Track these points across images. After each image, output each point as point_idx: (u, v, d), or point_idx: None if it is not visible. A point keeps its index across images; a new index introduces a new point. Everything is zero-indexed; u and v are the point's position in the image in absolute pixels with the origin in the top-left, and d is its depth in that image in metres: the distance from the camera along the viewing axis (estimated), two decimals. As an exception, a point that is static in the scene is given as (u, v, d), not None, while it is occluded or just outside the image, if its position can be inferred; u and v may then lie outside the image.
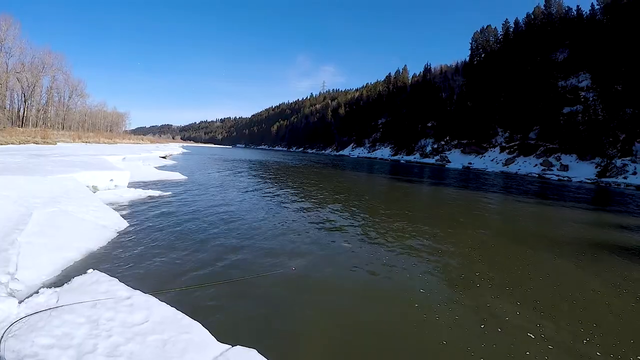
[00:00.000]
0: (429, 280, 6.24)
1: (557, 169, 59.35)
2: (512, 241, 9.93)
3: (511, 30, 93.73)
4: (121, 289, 4.51)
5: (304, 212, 11.82)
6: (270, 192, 16.07)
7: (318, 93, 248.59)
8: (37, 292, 4.30)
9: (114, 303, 4.13)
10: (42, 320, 3.62)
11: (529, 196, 23.28)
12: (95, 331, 3.53)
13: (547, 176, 54.83)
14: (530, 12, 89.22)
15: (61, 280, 4.86)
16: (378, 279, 6.27)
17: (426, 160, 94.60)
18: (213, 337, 3.71)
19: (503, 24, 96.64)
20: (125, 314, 3.91)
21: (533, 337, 4.54)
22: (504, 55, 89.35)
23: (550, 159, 63.06)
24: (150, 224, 8.62)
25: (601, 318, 5.23)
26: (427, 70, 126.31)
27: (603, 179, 49.13)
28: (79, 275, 4.85)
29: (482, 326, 4.75)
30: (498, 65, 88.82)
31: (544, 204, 20.20)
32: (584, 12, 78.79)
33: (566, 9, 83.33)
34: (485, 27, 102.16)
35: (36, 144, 32.78)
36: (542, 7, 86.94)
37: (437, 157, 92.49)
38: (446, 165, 79.67)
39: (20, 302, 4.00)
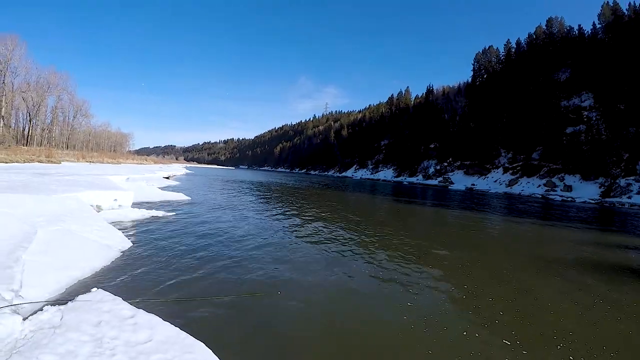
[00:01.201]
0: (420, 296, 6.31)
1: (561, 190, 59.20)
2: (506, 260, 9.80)
3: (513, 50, 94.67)
4: (125, 308, 4.50)
5: (303, 233, 11.66)
6: (270, 214, 15.92)
7: (321, 115, 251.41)
8: (41, 310, 4.29)
9: (118, 322, 4.12)
10: (46, 338, 3.62)
11: (531, 217, 23.01)
12: (99, 349, 3.53)
13: (550, 197, 54.68)
14: (532, 32, 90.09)
15: (65, 299, 4.75)
16: (371, 294, 6.34)
17: (429, 181, 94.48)
18: (216, 356, 3.72)
19: (505, 45, 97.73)
20: (129, 333, 3.90)
21: (508, 343, 4.72)
22: (506, 76, 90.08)
23: (554, 180, 62.99)
24: (154, 244, 8.58)
25: (577, 327, 5.45)
26: (429, 91, 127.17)
27: (607, 199, 48.97)
28: (83, 294, 4.84)
29: (465, 332, 4.98)
30: (500, 86, 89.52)
31: (546, 224, 19.97)
32: (585, 32, 79.62)
33: (568, 28, 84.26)
34: (487, 48, 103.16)
35: (41, 162, 33.11)
36: (544, 26, 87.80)
37: (440, 179, 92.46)
38: (449, 187, 79.50)
39: (24, 319, 4.00)
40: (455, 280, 7.35)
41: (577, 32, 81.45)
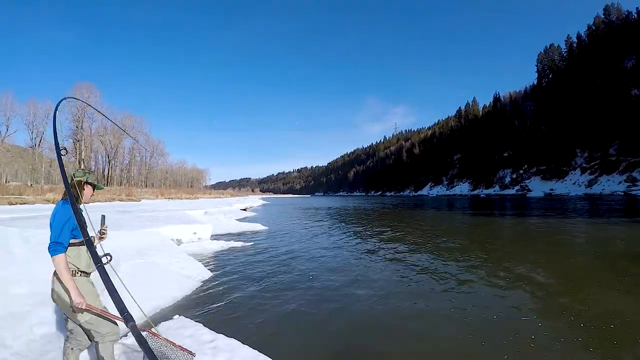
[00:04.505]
0: (491, 311, 5.62)
1: (643, 184, 56.58)
2: (595, 274, 8.31)
3: (574, 45, 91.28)
4: (205, 333, 4.66)
5: (384, 259, 11.12)
6: (349, 240, 15.59)
7: (391, 135, 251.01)
8: (126, 336, 4.67)
9: (199, 346, 4.26)
10: (130, 362, 4.02)
11: (614, 217, 21.79)
12: (181, 371, 3.71)
13: (633, 193, 52.38)
14: (591, 23, 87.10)
15: (148, 326, 5.46)
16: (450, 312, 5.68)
17: (506, 191, 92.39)
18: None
19: (566, 40, 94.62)
20: (209, 357, 4.08)
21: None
22: (571, 72, 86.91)
23: (634, 174, 60.00)
24: (233, 274, 9.02)
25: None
26: (496, 99, 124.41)
27: (694, 188, 46.41)
28: (165, 321, 5.14)
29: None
30: (567, 83, 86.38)
31: (629, 223, 19.19)
32: (644, 13, 75.65)
33: (626, 13, 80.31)
34: (548, 47, 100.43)
35: (121, 201, 34.93)
36: (602, 15, 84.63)
37: (517, 187, 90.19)
38: (527, 195, 77.16)
39: (111, 346, 4.39)
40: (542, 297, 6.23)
41: (635, 15, 77.12)
